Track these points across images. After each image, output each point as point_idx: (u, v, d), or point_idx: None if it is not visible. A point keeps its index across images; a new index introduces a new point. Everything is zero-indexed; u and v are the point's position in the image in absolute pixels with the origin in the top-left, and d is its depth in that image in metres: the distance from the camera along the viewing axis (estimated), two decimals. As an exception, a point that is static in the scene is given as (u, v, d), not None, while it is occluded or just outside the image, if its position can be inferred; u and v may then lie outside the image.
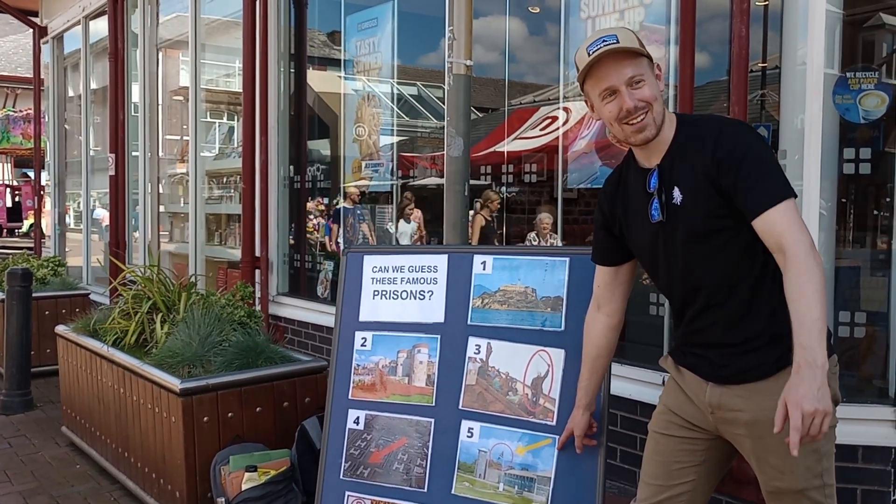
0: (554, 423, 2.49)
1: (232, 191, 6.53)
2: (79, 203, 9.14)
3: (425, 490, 2.64)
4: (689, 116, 1.98)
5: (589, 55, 1.83)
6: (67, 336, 4.33)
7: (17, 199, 20.37)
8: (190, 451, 3.17)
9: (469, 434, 2.62)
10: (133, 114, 7.38)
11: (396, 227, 5.11)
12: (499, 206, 4.78)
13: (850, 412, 2.46)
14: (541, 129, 4.52)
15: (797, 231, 1.67)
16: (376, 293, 2.91)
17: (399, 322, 2.84)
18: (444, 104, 3.80)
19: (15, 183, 21.63)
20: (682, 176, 1.84)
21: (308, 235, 5.67)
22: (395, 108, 5.24)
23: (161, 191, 7.33)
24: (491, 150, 4.82)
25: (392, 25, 4.87)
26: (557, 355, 2.55)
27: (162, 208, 7.35)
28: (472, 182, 3.39)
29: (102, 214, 8.57)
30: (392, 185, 5.08)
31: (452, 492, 2.60)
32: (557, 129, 4.11)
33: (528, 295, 2.65)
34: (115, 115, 7.23)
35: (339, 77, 5.47)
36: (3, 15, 9.83)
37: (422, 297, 2.82)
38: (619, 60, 1.81)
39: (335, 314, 2.98)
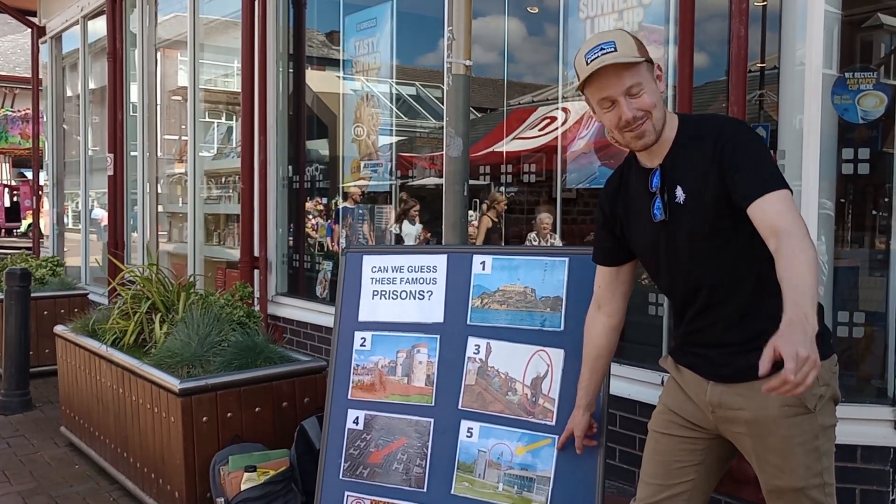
0: (553, 423, 2.49)
1: (231, 191, 6.53)
2: (77, 203, 9.13)
3: (425, 490, 2.64)
4: (691, 116, 1.98)
5: (587, 63, 1.82)
6: (66, 336, 4.33)
7: (15, 199, 20.34)
8: (189, 451, 3.17)
9: (468, 434, 2.62)
10: (132, 114, 7.37)
11: (401, 229, 5.11)
12: (505, 207, 4.78)
13: (849, 412, 2.46)
14: (539, 130, 4.52)
15: (791, 217, 1.66)
16: (375, 293, 2.91)
17: (398, 322, 2.84)
18: (442, 104, 3.80)
19: (13, 183, 21.60)
20: (685, 175, 1.84)
21: (312, 234, 5.66)
22: (394, 109, 5.24)
23: (160, 191, 7.33)
24: (490, 150, 4.82)
25: (391, 26, 4.87)
26: (557, 355, 2.55)
27: (160, 208, 7.34)
28: (470, 182, 3.40)
29: (101, 214, 8.56)
30: (391, 185, 5.08)
31: (452, 492, 2.60)
32: (556, 129, 4.12)
33: (527, 295, 2.65)
34: (114, 115, 7.22)
35: (338, 77, 5.47)
36: (2, 15, 9.81)
37: (421, 297, 2.83)
38: (618, 70, 1.81)
39: (334, 314, 2.98)
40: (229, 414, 3.27)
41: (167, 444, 3.29)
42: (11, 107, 19.83)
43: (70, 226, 9.67)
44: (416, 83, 5.94)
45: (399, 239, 5.10)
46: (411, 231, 5.11)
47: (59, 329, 4.47)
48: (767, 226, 1.66)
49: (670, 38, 3.35)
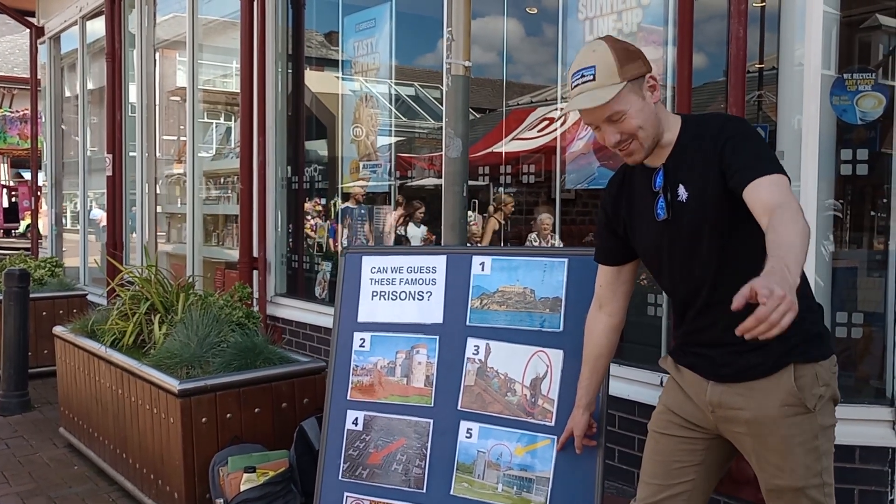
0: (553, 423, 2.50)
1: (229, 191, 6.52)
2: (76, 203, 9.13)
3: (424, 491, 2.64)
4: (693, 116, 1.98)
5: (571, 87, 1.85)
6: (65, 337, 4.32)
7: (13, 199, 20.33)
8: (188, 451, 3.17)
9: (468, 435, 2.62)
10: (130, 114, 7.37)
11: (406, 231, 5.13)
12: (512, 209, 4.78)
13: (848, 413, 2.46)
14: (538, 131, 4.53)
15: (785, 196, 1.64)
16: (375, 294, 2.91)
17: (398, 323, 2.84)
18: (441, 105, 3.80)
19: (11, 183, 21.58)
20: (687, 174, 1.85)
21: (311, 234, 5.66)
22: (393, 109, 5.24)
23: (158, 191, 7.32)
24: (488, 150, 4.82)
25: (390, 26, 4.87)
26: (556, 356, 2.55)
27: (159, 209, 7.34)
28: (469, 183, 3.40)
29: (100, 215, 8.56)
30: (390, 185, 5.08)
31: (451, 492, 2.60)
32: (555, 129, 4.12)
33: (526, 296, 2.66)
34: (113, 115, 7.22)
35: (337, 78, 5.47)
36: (0, 15, 9.81)
37: (420, 297, 2.83)
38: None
39: (334, 315, 2.98)
40: (228, 415, 3.27)
41: (166, 445, 3.29)
42: (10, 107, 19.83)
43: (69, 226, 9.67)
44: (415, 84, 5.95)
45: (406, 241, 5.11)
46: (416, 233, 5.13)
47: (57, 330, 4.47)
48: (761, 206, 1.65)
49: (669, 39, 3.35)
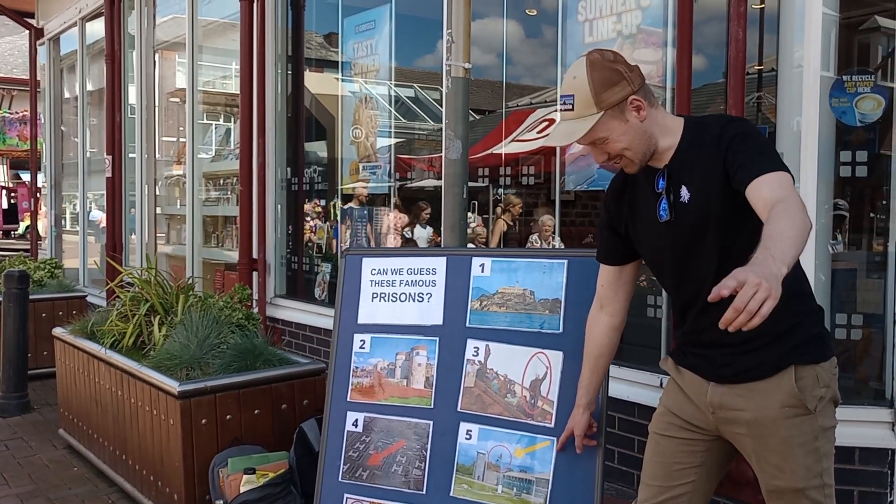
0: (552, 424, 2.50)
1: (229, 193, 6.53)
2: (75, 205, 9.12)
3: (424, 492, 2.64)
4: (695, 118, 1.98)
5: (558, 110, 1.90)
6: (64, 338, 4.32)
7: (12, 201, 20.33)
8: (188, 453, 3.17)
9: (468, 436, 2.62)
10: (130, 115, 7.37)
11: (413, 232, 5.13)
12: (521, 210, 4.79)
13: (847, 414, 2.46)
14: (538, 132, 4.53)
15: (786, 192, 1.63)
16: (375, 295, 2.91)
17: (397, 324, 2.84)
18: (441, 106, 3.81)
19: (11, 185, 21.59)
20: (690, 176, 1.85)
21: (311, 236, 5.66)
22: (393, 111, 5.25)
23: (158, 193, 7.32)
24: (488, 152, 4.83)
25: (389, 28, 4.88)
26: (556, 357, 2.55)
27: (159, 210, 7.34)
28: (469, 184, 3.40)
29: (99, 216, 8.56)
30: (389, 187, 5.09)
31: (451, 494, 2.60)
32: (555, 131, 4.11)
33: (526, 297, 2.66)
34: (112, 116, 7.22)
35: (337, 79, 5.48)
36: (-1, 16, 9.83)
37: (420, 299, 2.83)
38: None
39: (334, 316, 2.98)
40: (228, 416, 3.27)
41: (166, 447, 3.29)
42: (9, 108, 19.84)
43: (68, 228, 9.66)
44: (415, 85, 5.96)
45: (413, 243, 5.12)
46: (423, 234, 5.14)
47: (57, 331, 4.47)
48: (762, 203, 1.64)
49: (669, 41, 3.35)
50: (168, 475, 3.31)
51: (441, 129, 3.76)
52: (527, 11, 4.61)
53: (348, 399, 2.85)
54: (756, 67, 3.47)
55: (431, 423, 2.69)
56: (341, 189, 5.39)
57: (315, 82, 5.85)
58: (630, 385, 3.24)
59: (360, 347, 2.88)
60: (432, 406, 2.71)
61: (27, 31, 9.45)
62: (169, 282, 4.15)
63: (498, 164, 4.59)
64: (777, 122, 2.97)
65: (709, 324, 1.90)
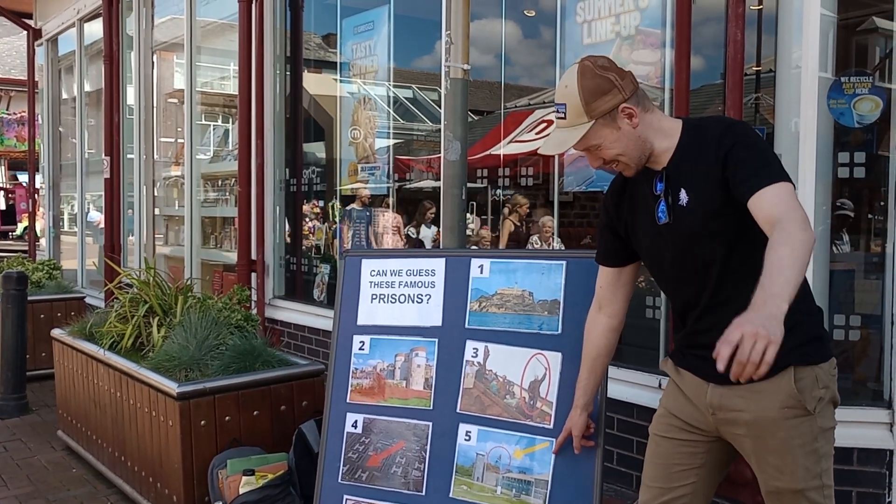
0: (551, 426, 2.50)
1: (227, 194, 6.52)
2: (73, 206, 9.11)
3: (423, 493, 2.64)
4: (694, 120, 1.99)
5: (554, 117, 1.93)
6: (63, 340, 4.32)
7: (10, 202, 20.30)
8: (187, 454, 3.17)
9: (467, 437, 2.62)
10: (128, 116, 7.37)
11: (418, 232, 5.13)
12: (528, 211, 4.79)
13: (846, 415, 2.45)
14: (536, 133, 4.54)
15: (788, 207, 1.65)
16: (374, 297, 2.91)
17: (397, 326, 2.84)
18: (439, 107, 3.80)
19: (8, 186, 21.56)
20: (689, 178, 1.86)
21: (312, 236, 5.66)
22: (391, 112, 5.25)
23: (156, 194, 7.32)
24: (487, 153, 4.83)
25: (388, 29, 4.88)
26: (554, 358, 2.55)
27: (157, 211, 7.34)
28: (468, 185, 3.40)
29: (97, 217, 8.55)
30: (388, 188, 5.09)
31: (450, 495, 2.60)
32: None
33: (525, 298, 2.66)
34: (110, 117, 7.22)
35: (335, 80, 5.48)
36: (-2, 17, 9.81)
37: (420, 300, 2.83)
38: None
39: (333, 318, 2.98)
40: (227, 417, 3.27)
41: (165, 448, 3.29)
42: (7, 109, 19.80)
43: (66, 229, 9.65)
44: (413, 86, 5.96)
45: (419, 243, 5.12)
46: (428, 233, 5.15)
47: (55, 332, 4.46)
48: (765, 217, 1.66)
49: (667, 42, 3.36)
50: (167, 476, 3.31)
51: (440, 130, 3.76)
52: (525, 12, 4.61)
53: (348, 400, 2.85)
54: (754, 68, 3.48)
55: (431, 424, 2.70)
56: (340, 190, 5.39)
57: (313, 83, 5.86)
58: (629, 386, 3.24)
59: (360, 348, 2.88)
60: (431, 407, 2.71)
61: (25, 32, 9.44)
62: (168, 283, 4.15)
63: (497, 165, 4.59)
64: (775, 123, 2.97)
65: (709, 325, 1.90)
